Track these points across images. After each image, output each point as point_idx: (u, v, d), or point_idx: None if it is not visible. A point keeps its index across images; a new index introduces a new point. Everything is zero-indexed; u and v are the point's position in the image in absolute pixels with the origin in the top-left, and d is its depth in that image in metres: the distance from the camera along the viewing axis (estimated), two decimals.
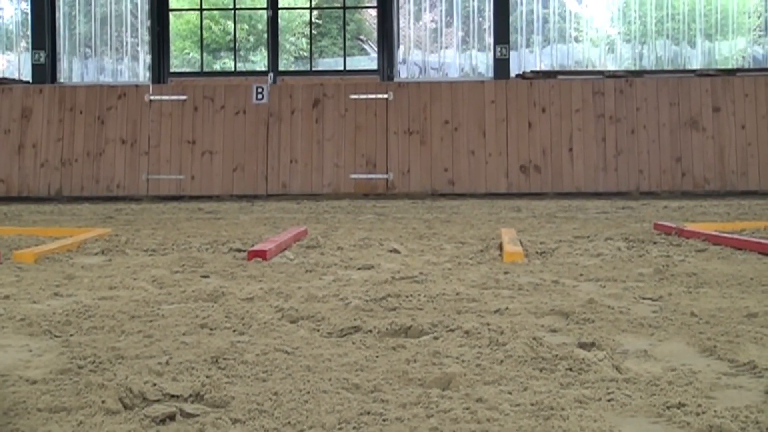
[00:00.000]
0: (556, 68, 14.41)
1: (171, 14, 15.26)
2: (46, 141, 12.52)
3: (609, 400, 2.22)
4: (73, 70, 15.14)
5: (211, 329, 3.17)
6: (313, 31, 15.63)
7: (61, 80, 14.86)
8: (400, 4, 14.87)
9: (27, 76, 14.74)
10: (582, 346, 2.81)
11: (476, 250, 5.44)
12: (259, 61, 15.41)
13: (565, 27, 14.98)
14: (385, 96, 12.43)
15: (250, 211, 9.70)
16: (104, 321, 3.31)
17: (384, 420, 2.09)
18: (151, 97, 12.56)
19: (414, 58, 15.18)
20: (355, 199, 11.49)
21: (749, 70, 13.47)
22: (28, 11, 14.98)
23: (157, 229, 7.31)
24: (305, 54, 15.70)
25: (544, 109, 12.26)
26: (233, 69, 14.99)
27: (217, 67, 15.64)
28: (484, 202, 10.83)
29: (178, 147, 12.44)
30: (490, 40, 14.58)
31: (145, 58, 15.01)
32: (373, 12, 15.44)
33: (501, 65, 14.19)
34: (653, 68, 14.08)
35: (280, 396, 2.26)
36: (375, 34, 15.47)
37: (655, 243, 5.76)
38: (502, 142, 12.21)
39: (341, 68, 14.77)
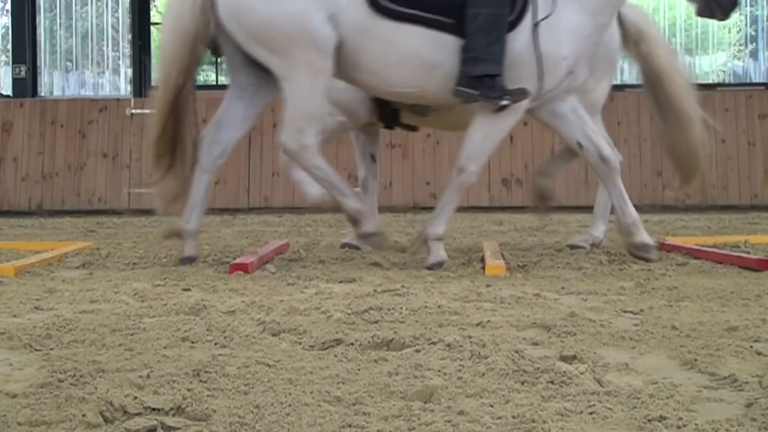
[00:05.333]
0: None
1: (152, 28, 15.25)
2: (27, 155, 12.48)
3: (590, 413, 2.23)
4: (53, 84, 15.12)
5: (193, 342, 3.16)
6: None
7: (42, 94, 14.83)
8: None
9: (7, 90, 14.71)
10: (563, 359, 2.81)
11: (458, 263, 5.45)
12: None
13: None
14: None
15: (231, 224, 9.69)
16: (85, 334, 3.30)
17: None
18: (133, 111, 12.53)
19: None
20: (337, 213, 11.47)
21: (729, 84, 13.57)
22: (9, 26, 14.93)
23: (138, 242, 7.29)
24: None
25: (525, 123, 12.28)
26: (215, 82, 14.97)
27: (199, 80, 15.62)
28: (465, 216, 10.84)
29: None
30: None
31: (126, 71, 14.99)
32: None
33: None
34: (634, 83, 14.13)
35: (262, 409, 2.25)
36: None
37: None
38: None
39: None
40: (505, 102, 5.12)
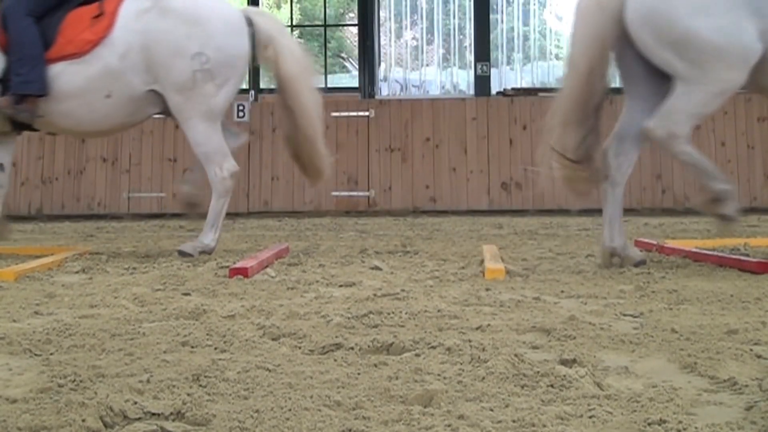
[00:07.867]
0: (537, 85, 14.45)
1: None
2: (27, 159, 12.47)
3: (590, 417, 2.23)
4: None
5: (193, 347, 3.16)
6: None
7: None
8: (381, 22, 14.91)
9: None
10: (563, 362, 2.81)
11: (458, 267, 5.45)
12: None
13: (545, 44, 15.06)
14: (367, 113, 12.45)
15: (231, 228, 9.69)
16: (85, 339, 3.30)
17: None
18: None
19: (395, 76, 15.22)
20: (336, 217, 11.49)
21: None
22: None
23: (138, 247, 7.29)
24: None
25: (525, 126, 12.29)
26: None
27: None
28: (465, 219, 10.85)
29: (159, 165, 12.41)
30: (470, 57, 14.63)
31: None
32: (354, 30, 15.47)
33: (482, 82, 14.22)
34: None
35: (262, 413, 2.25)
36: (356, 52, 15.49)
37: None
38: (484, 159, 12.24)
39: (322, 86, 14.77)
40: None
